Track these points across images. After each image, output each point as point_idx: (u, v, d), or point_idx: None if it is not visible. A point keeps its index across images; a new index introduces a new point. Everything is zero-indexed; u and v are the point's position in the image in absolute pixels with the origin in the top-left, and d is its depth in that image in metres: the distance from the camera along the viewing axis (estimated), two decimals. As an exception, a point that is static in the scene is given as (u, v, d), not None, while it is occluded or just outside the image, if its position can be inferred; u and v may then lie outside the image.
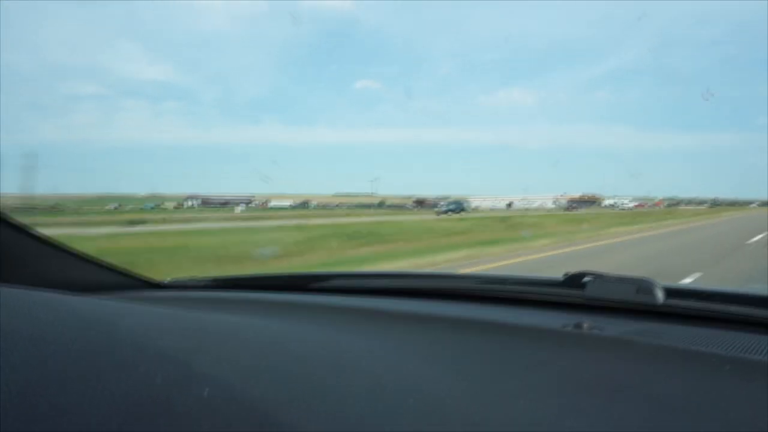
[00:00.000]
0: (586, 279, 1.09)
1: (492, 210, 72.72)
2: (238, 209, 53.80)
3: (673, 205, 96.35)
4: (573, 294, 1.10)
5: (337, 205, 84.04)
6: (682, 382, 0.69)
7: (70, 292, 0.75)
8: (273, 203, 74.99)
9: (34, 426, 0.37)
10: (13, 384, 0.39)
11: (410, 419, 0.53)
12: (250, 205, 77.14)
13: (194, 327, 0.66)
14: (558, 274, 1.15)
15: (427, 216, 32.22)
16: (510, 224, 21.13)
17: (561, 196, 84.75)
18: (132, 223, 22.31)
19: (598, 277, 1.08)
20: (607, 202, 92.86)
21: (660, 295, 0.99)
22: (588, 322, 0.93)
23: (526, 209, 61.86)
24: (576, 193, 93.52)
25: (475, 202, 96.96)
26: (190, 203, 71.24)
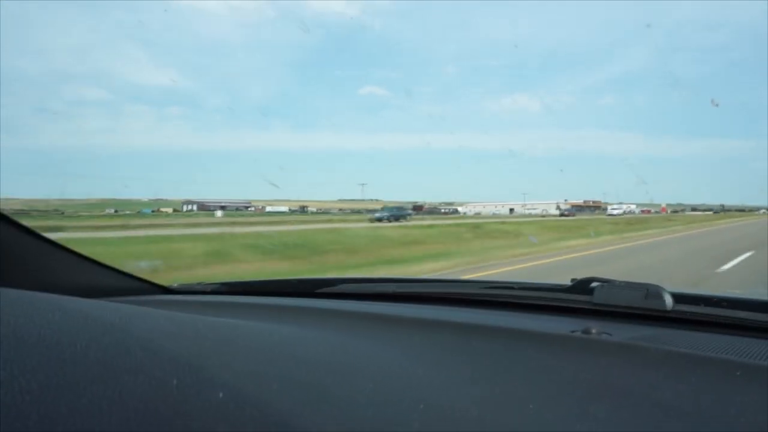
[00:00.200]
0: (594, 284, 1.10)
1: (494, 215, 71.97)
2: (219, 214, 53.28)
3: (679, 211, 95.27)
4: (581, 299, 1.10)
5: (339, 210, 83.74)
6: (691, 388, 0.69)
7: (79, 296, 0.74)
8: (269, 209, 74.48)
9: (53, 429, 0.37)
10: (30, 388, 0.39)
11: (419, 425, 0.53)
12: (249, 209, 76.89)
13: (206, 331, 0.65)
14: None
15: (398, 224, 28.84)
16: (468, 233, 18.93)
17: (564, 202, 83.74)
18: (112, 227, 21.75)
19: (606, 282, 1.09)
20: (610, 208, 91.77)
21: (669, 301, 0.99)
22: (596, 328, 0.93)
23: (530, 215, 61.06)
24: (579, 200, 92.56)
25: (476, 208, 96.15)
26: (187, 208, 71.00)
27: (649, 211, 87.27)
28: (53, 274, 1.19)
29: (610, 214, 52.51)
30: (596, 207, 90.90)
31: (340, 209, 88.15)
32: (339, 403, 0.54)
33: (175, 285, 1.50)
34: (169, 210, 78.63)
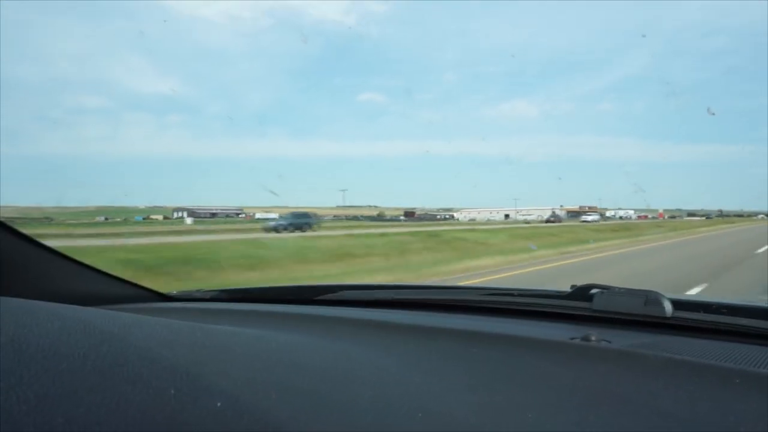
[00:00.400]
0: (593, 291, 1.09)
1: (488, 221, 71.21)
2: (189, 221, 52.82)
3: (676, 216, 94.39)
4: (580, 306, 1.10)
5: (334, 217, 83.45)
6: (690, 396, 0.69)
7: (78, 304, 0.75)
8: (258, 215, 74.10)
9: None
10: (26, 397, 0.39)
11: None
12: (239, 216, 76.60)
13: (204, 339, 0.66)
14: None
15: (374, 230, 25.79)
16: (417, 244, 16.84)
17: (559, 207, 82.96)
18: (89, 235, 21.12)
19: (606, 289, 1.08)
20: (608, 213, 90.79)
21: (668, 308, 0.99)
22: (596, 335, 0.93)
23: (526, 220, 60.49)
24: (575, 205, 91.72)
25: (471, 214, 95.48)
26: (177, 215, 70.76)
27: (645, 217, 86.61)
28: (52, 282, 1.19)
29: (583, 221, 51.00)
30: (592, 213, 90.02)
31: (335, 216, 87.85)
32: (337, 411, 0.53)
33: (174, 292, 1.49)
34: (160, 217, 78.45)
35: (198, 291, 1.53)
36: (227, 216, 75.35)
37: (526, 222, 55.32)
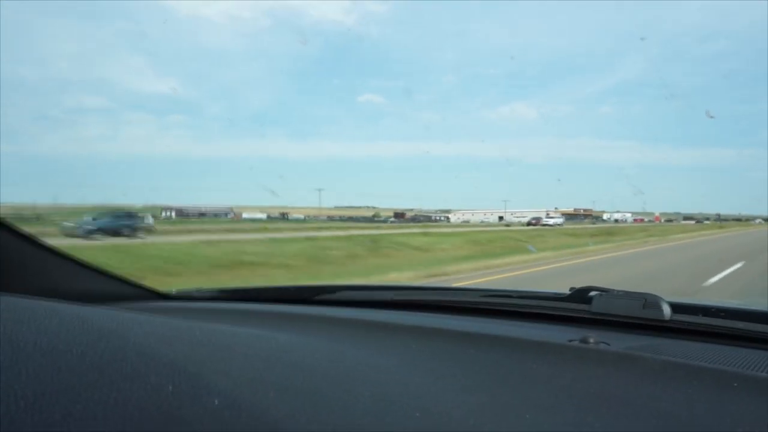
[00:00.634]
0: (592, 294, 1.09)
1: (482, 223, 69.93)
2: (150, 221, 51.83)
3: (673, 220, 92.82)
4: (579, 308, 1.10)
5: (327, 218, 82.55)
6: (687, 399, 0.69)
7: (77, 302, 0.75)
8: (245, 215, 73.29)
9: None
10: (24, 394, 0.39)
11: None
12: (228, 216, 75.87)
13: (203, 338, 0.66)
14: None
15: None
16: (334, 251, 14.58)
17: (553, 210, 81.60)
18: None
19: (605, 292, 1.08)
20: (605, 216, 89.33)
21: (667, 311, 0.99)
22: (594, 337, 0.93)
23: (520, 222, 59.50)
24: (569, 208, 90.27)
25: (465, 216, 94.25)
26: (165, 214, 70.08)
27: (642, 220, 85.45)
28: (51, 279, 1.19)
29: (544, 224, 47.53)
30: (587, 215, 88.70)
31: (329, 216, 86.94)
32: (336, 411, 0.53)
33: (173, 291, 1.49)
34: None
35: (197, 290, 1.53)
36: (215, 215, 74.52)
37: (508, 225, 53.98)
